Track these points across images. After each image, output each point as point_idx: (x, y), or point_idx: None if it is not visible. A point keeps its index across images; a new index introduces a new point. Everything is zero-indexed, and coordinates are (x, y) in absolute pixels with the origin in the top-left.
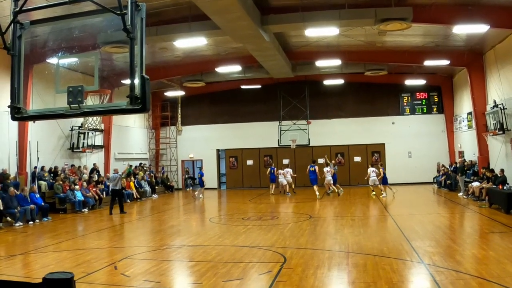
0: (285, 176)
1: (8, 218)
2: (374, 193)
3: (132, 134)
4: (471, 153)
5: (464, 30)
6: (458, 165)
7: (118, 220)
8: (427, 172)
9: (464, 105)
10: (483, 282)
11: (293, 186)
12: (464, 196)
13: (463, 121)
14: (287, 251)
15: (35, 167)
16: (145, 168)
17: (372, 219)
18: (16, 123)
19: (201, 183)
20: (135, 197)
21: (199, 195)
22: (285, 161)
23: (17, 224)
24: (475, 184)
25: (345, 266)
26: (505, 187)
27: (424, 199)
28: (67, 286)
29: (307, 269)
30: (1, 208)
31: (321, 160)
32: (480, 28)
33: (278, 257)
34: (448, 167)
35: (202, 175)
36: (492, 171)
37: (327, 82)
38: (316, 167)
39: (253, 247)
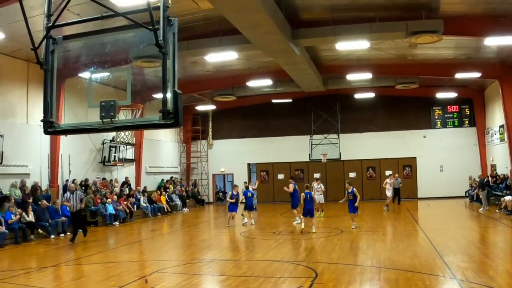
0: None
1: (40, 231)
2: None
3: (163, 148)
4: (503, 167)
5: (496, 42)
6: (478, 181)
7: (149, 233)
8: (459, 186)
9: (496, 117)
10: None
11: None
12: (497, 211)
13: (495, 134)
14: (318, 266)
15: (67, 180)
16: (176, 182)
17: (403, 233)
18: (48, 136)
19: (252, 206)
20: (166, 210)
21: (249, 219)
22: (316, 175)
23: (52, 236)
24: (508, 198)
25: (377, 282)
26: None
27: (456, 214)
28: None
29: (339, 284)
30: (33, 221)
31: (388, 172)
32: (511, 40)
33: (309, 272)
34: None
35: (253, 194)
36: None
37: (358, 95)
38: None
39: (284, 262)
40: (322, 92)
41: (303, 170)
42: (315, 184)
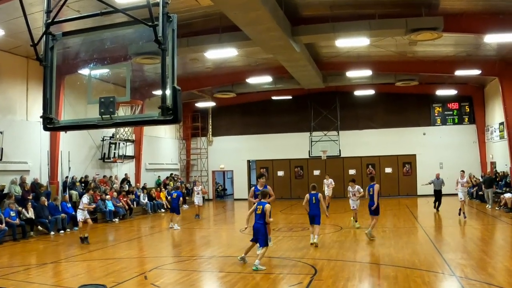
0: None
1: (40, 227)
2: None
3: (163, 145)
4: (503, 164)
5: (496, 39)
6: (484, 178)
7: (148, 230)
8: None
9: (496, 115)
10: None
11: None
12: (496, 208)
13: (494, 131)
14: (317, 263)
15: (67, 177)
16: (175, 179)
17: (403, 230)
18: (47, 133)
19: (177, 208)
20: (166, 207)
21: (174, 223)
22: (316, 172)
23: (52, 233)
24: (508, 195)
25: (376, 278)
26: None
27: (456, 211)
28: None
29: (338, 281)
30: (33, 217)
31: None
32: (511, 37)
33: (308, 268)
34: (480, 178)
35: (180, 195)
36: None
37: (357, 92)
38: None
39: (284, 258)
40: (322, 89)
41: (303, 167)
42: (325, 180)
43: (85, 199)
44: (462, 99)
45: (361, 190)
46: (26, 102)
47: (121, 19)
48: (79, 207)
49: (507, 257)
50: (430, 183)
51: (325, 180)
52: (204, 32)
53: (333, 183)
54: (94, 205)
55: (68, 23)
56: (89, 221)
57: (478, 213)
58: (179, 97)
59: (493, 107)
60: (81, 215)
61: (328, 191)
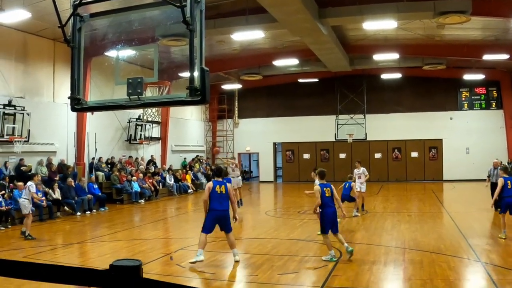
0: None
1: (66, 208)
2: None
3: (189, 127)
4: None
5: None
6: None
7: (174, 211)
8: (485, 168)
9: None
10: None
11: None
12: None
13: None
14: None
15: (93, 158)
16: (201, 161)
17: (428, 215)
18: (74, 114)
19: None
20: (191, 189)
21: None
22: (342, 155)
23: (78, 214)
24: None
25: (401, 262)
26: None
27: (482, 196)
28: (135, 274)
29: (363, 264)
30: (60, 198)
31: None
32: None
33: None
34: (506, 164)
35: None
36: None
37: (384, 76)
38: None
39: (309, 241)
40: (348, 72)
41: (329, 150)
42: (355, 170)
43: (33, 188)
44: (490, 84)
45: (366, 172)
46: (53, 84)
47: (148, 0)
48: (24, 196)
49: None
50: (488, 177)
51: (355, 170)
52: (231, 14)
53: (367, 173)
54: (43, 198)
55: (95, 5)
56: (31, 215)
57: None
58: (207, 78)
59: None
60: (29, 205)
61: (360, 185)
